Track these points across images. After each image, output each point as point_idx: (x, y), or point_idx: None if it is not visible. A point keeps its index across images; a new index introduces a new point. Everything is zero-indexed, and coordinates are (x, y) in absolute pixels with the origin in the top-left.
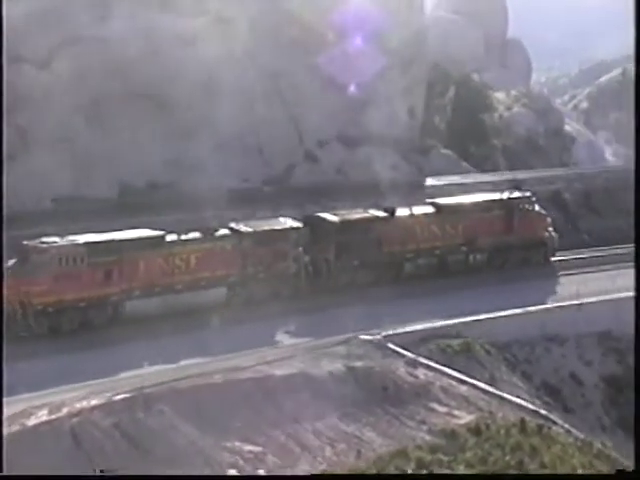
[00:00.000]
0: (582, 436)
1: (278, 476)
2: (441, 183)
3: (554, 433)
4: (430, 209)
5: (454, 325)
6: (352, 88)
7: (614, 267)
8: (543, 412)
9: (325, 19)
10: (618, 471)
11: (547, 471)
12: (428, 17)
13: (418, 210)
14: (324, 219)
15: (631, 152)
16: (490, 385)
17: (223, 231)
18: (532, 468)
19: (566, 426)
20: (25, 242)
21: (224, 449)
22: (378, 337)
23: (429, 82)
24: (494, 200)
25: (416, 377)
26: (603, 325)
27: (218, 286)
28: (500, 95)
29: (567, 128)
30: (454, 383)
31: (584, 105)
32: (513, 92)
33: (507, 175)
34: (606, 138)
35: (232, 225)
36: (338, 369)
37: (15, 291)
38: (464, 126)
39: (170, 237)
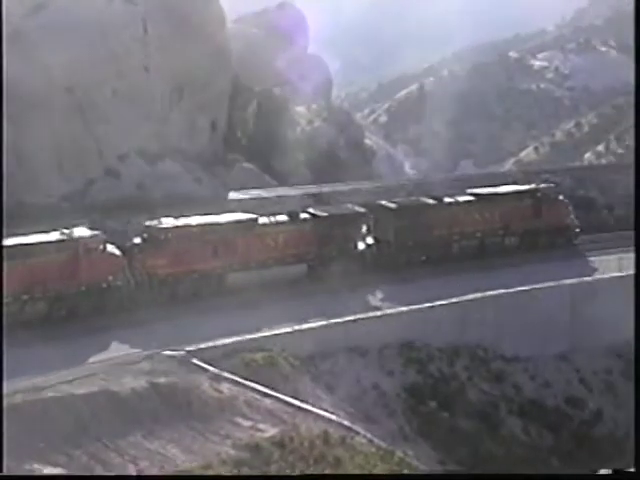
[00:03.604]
0: (384, 445)
1: (277, 476)
2: (244, 197)
3: (357, 443)
4: (471, 198)
5: (258, 339)
6: (153, 101)
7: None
8: (346, 423)
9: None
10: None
11: None
12: (230, 30)
13: (462, 198)
14: (384, 206)
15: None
16: (294, 398)
17: (304, 215)
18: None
19: (369, 436)
20: (147, 223)
21: (23, 472)
22: (182, 353)
23: (231, 95)
24: (525, 190)
25: (220, 392)
26: (405, 335)
27: (300, 262)
28: (301, 109)
29: (367, 142)
30: (258, 397)
31: (383, 119)
32: (314, 106)
33: (309, 189)
34: (405, 151)
35: (311, 210)
36: (141, 386)
37: (142, 264)
38: (266, 140)
39: (262, 220)
